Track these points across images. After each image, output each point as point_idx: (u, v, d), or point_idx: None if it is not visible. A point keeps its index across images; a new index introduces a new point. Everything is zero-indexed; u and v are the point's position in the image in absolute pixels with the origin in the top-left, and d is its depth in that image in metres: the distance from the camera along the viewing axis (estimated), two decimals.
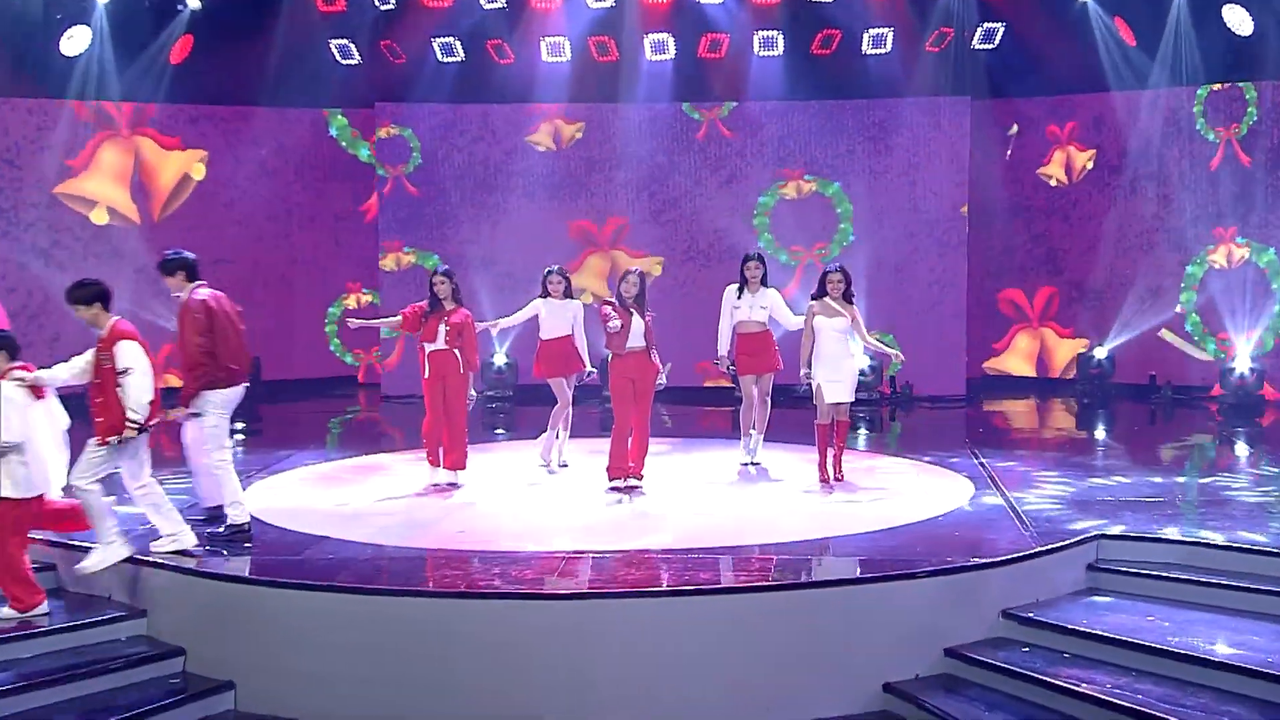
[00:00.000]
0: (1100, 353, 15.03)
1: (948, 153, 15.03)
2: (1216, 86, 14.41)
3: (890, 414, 14.27)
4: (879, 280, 14.95)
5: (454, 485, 9.50)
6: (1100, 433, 13.02)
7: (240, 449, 12.16)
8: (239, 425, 13.51)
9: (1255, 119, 14.23)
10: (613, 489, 9.17)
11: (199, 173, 15.41)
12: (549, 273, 10.30)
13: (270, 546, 7.57)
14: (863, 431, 12.85)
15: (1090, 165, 15.42)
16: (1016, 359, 15.97)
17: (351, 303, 16.10)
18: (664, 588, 6.63)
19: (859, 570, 7.02)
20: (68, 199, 14.77)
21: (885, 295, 14.92)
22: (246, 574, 6.99)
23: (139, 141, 15.08)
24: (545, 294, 10.24)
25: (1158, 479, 9.59)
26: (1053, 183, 15.69)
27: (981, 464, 10.14)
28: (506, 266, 15.14)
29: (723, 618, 6.49)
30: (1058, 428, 13.53)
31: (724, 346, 10.22)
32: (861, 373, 14.40)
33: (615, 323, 9.01)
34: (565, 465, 10.34)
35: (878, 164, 15.18)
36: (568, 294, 10.25)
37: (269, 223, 15.88)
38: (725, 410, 14.02)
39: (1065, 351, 15.56)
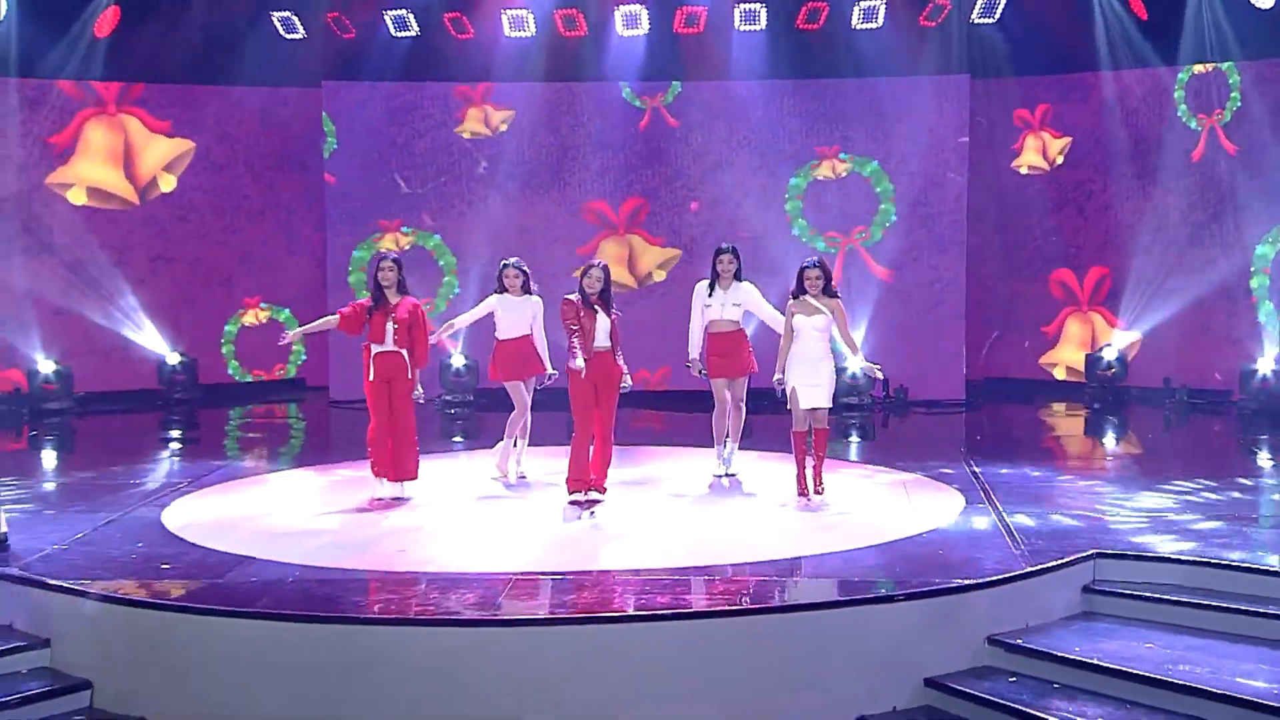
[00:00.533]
0: (1110, 353, 14.97)
1: (947, 137, 14.93)
2: (1199, 69, 14.38)
3: (883, 420, 14.21)
4: (871, 276, 14.89)
5: (400, 499, 9.42)
6: (1108, 440, 12.99)
7: (177, 459, 12.09)
8: (173, 434, 13.48)
9: (1239, 104, 14.18)
10: (572, 503, 9.08)
11: (168, 184, 15.37)
12: (505, 266, 10.19)
13: (189, 568, 7.46)
14: (853, 439, 12.80)
15: (1060, 159, 15.33)
16: (1070, 349, 15.42)
17: (250, 320, 15.66)
18: (616, 613, 6.56)
19: (832, 593, 6.95)
20: (60, 188, 14.82)
21: (878, 293, 14.85)
22: (160, 599, 6.87)
23: (126, 120, 15.09)
24: (501, 289, 10.16)
25: (1165, 492, 9.53)
26: (1024, 170, 15.60)
27: (975, 475, 10.09)
28: (470, 261, 15.02)
29: (680, 646, 6.42)
30: (1062, 435, 13.48)
31: (695, 348, 10.14)
32: (852, 376, 14.39)
33: (579, 363, 8.88)
34: (523, 477, 10.27)
35: (872, 150, 15.09)
36: (526, 289, 10.16)
37: (213, 216, 15.65)
38: (699, 416, 13.93)
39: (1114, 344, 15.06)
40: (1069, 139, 15.31)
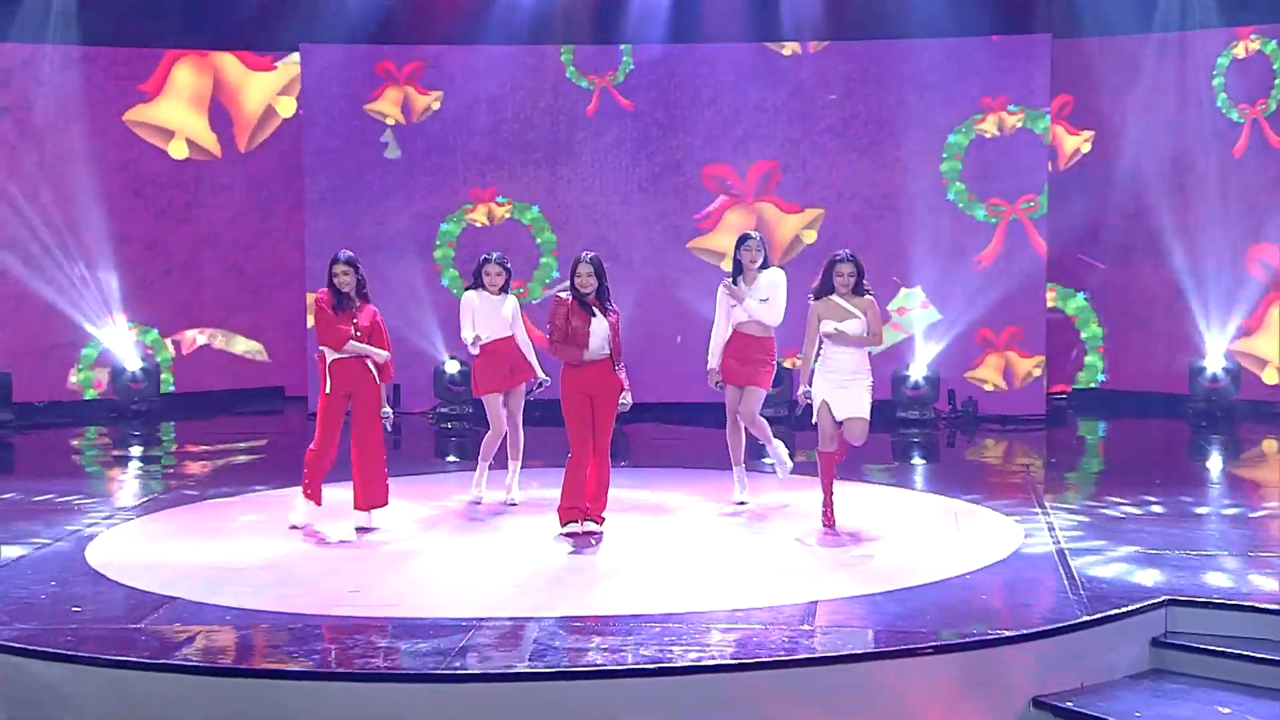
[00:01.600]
0: (1214, 363, 14.57)
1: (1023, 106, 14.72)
2: (1240, 52, 14.03)
3: (948, 438, 13.97)
4: (932, 269, 14.72)
5: (366, 529, 9.35)
6: (1208, 465, 12.69)
7: (120, 481, 12.08)
8: (124, 452, 13.46)
9: None
10: (564, 535, 8.99)
11: (287, 109, 15.89)
12: (486, 261, 10.21)
13: (103, 611, 7.38)
14: (907, 460, 12.69)
15: (1088, 147, 15.11)
16: (1270, 341, 14.67)
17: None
18: (589, 668, 6.41)
19: (849, 645, 6.77)
20: (139, 127, 15.34)
21: (941, 290, 14.63)
22: (59, 648, 6.71)
23: (218, 60, 15.59)
24: (478, 285, 10.15)
25: (1261, 528, 9.35)
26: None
27: (1041, 504, 9.89)
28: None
29: (664, 707, 6.26)
30: (1152, 458, 13.13)
31: (716, 357, 9.96)
32: (914, 385, 14.19)
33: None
34: (513, 504, 10.22)
35: (933, 120, 14.88)
36: (505, 290, 10.15)
37: (172, 190, 15.70)
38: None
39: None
40: (1090, 132, 15.13)
